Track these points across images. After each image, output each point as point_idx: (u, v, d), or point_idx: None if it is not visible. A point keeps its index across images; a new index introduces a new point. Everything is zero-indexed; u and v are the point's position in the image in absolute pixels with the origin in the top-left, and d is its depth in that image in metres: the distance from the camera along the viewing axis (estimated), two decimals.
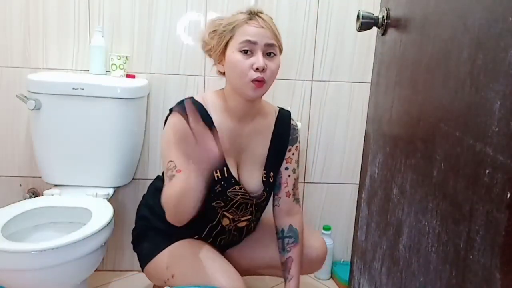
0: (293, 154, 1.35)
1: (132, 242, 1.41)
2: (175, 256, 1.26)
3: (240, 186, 1.25)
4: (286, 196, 1.35)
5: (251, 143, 1.29)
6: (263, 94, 1.22)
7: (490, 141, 0.53)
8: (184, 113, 1.17)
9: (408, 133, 0.83)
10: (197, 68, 1.72)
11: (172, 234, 1.29)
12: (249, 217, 1.33)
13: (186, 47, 1.71)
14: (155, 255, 1.29)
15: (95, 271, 1.40)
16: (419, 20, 0.81)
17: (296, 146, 1.36)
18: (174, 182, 1.11)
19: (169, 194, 1.11)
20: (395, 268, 0.85)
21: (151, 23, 1.68)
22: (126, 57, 1.66)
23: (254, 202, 1.29)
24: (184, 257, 1.25)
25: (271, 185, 1.32)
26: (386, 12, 0.95)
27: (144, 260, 1.33)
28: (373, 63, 1.08)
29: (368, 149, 1.09)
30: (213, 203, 1.26)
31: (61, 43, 1.68)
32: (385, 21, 0.96)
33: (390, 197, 0.89)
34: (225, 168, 1.22)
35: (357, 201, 1.16)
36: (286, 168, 1.34)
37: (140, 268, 1.36)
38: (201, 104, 1.22)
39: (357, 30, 0.98)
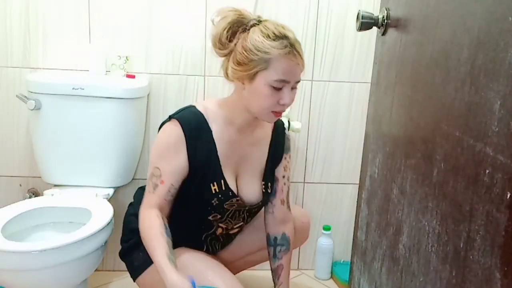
0: (287, 162, 1.35)
1: (122, 252, 1.36)
2: None
3: (238, 198, 1.24)
4: (281, 203, 1.34)
5: (251, 154, 1.27)
6: None
7: (490, 141, 0.53)
8: (183, 123, 1.16)
9: (408, 133, 0.83)
10: (197, 68, 1.72)
11: None
12: (241, 223, 1.34)
13: (186, 47, 1.71)
14: (149, 265, 1.24)
15: (95, 271, 1.40)
16: (419, 20, 0.81)
17: (290, 154, 1.36)
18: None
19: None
20: (395, 268, 0.85)
21: (151, 23, 1.68)
22: (126, 57, 1.66)
23: (247, 209, 1.29)
24: (180, 267, 1.23)
25: (268, 195, 1.32)
26: (386, 12, 0.95)
27: (136, 270, 1.29)
28: (373, 63, 1.08)
29: (368, 149, 1.09)
30: (210, 217, 1.25)
31: (61, 43, 1.67)
32: (385, 21, 0.96)
33: (390, 197, 0.89)
34: (222, 181, 1.20)
35: (357, 201, 1.16)
36: (283, 176, 1.34)
37: None
38: (201, 114, 1.19)
39: (357, 30, 0.98)
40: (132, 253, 1.31)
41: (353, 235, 1.19)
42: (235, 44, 1.12)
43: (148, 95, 1.70)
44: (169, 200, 1.17)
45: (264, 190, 1.29)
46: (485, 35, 0.56)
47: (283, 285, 1.34)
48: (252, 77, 1.11)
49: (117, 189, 1.69)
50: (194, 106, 1.21)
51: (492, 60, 0.54)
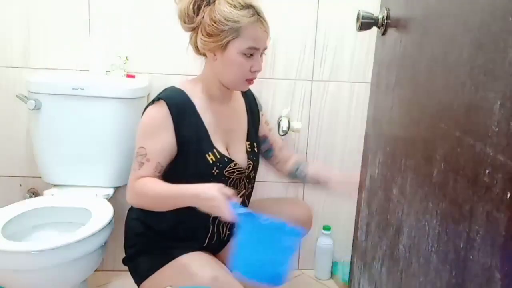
0: (265, 116, 1.47)
1: (126, 257, 1.34)
2: (176, 275, 1.21)
3: (235, 163, 1.26)
4: (280, 150, 1.45)
5: (234, 122, 1.33)
6: None
7: (490, 141, 0.53)
8: (169, 102, 1.20)
9: (408, 133, 0.83)
10: (197, 68, 1.71)
11: (176, 247, 1.25)
12: (244, 191, 1.34)
13: (186, 47, 1.70)
14: (154, 272, 1.24)
15: (95, 271, 1.40)
16: (419, 20, 0.81)
17: (262, 110, 1.48)
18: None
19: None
20: (395, 268, 0.85)
21: (151, 23, 1.68)
22: (126, 57, 1.66)
23: (245, 175, 1.31)
24: (185, 276, 1.20)
25: (256, 154, 1.36)
26: (386, 12, 0.95)
27: (141, 275, 1.27)
28: (373, 63, 1.08)
29: (368, 149, 1.09)
30: None
31: (61, 43, 1.67)
32: (385, 21, 0.96)
33: (390, 197, 0.89)
34: (215, 150, 1.23)
35: (357, 201, 1.16)
36: (270, 130, 1.45)
37: None
38: (183, 91, 1.24)
39: (357, 30, 0.98)
40: (137, 258, 1.30)
41: (353, 235, 1.19)
42: (203, 17, 1.18)
43: (148, 95, 1.70)
44: (156, 176, 1.19)
45: (249, 149, 1.33)
46: (485, 35, 0.56)
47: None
48: (224, 47, 1.17)
49: (117, 189, 1.69)
50: (173, 86, 1.27)
51: (492, 60, 0.54)
